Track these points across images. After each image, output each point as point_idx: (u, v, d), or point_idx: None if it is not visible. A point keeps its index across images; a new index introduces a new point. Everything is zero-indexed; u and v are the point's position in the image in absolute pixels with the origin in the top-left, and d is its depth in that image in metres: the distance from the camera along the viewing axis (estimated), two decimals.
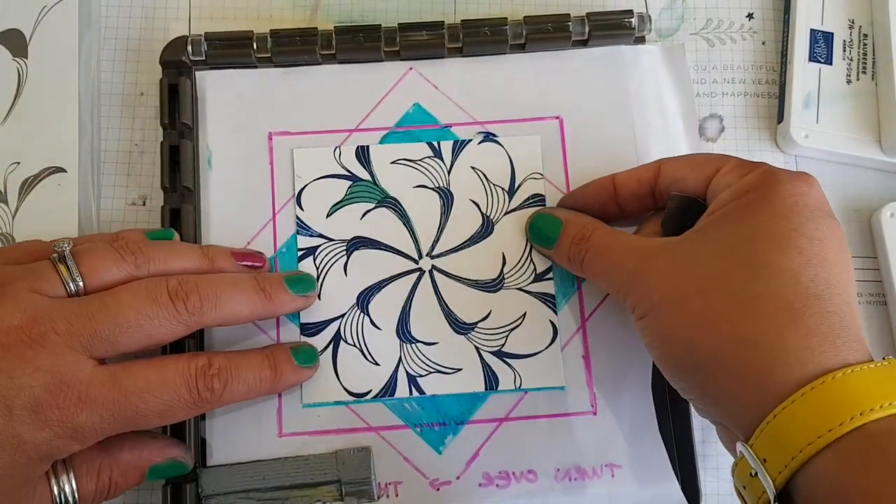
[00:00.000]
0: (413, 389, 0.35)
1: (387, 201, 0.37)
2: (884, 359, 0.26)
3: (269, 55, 0.38)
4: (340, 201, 0.37)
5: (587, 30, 0.39)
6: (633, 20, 0.39)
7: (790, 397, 0.25)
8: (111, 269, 0.30)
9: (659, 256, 0.30)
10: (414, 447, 0.35)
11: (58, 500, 0.29)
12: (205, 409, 0.31)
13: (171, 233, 0.35)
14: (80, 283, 0.30)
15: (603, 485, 0.34)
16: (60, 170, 0.37)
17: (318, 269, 0.36)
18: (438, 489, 0.34)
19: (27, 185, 0.37)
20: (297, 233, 0.37)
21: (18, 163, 0.37)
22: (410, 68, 0.39)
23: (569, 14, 0.39)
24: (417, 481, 0.34)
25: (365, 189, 0.37)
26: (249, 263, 0.35)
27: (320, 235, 0.37)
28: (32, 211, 0.37)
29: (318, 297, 0.36)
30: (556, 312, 0.36)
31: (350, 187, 0.37)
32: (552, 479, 0.35)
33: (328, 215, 0.37)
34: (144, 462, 0.31)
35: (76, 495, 0.30)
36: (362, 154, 0.38)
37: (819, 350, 0.26)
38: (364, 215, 0.37)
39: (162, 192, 0.37)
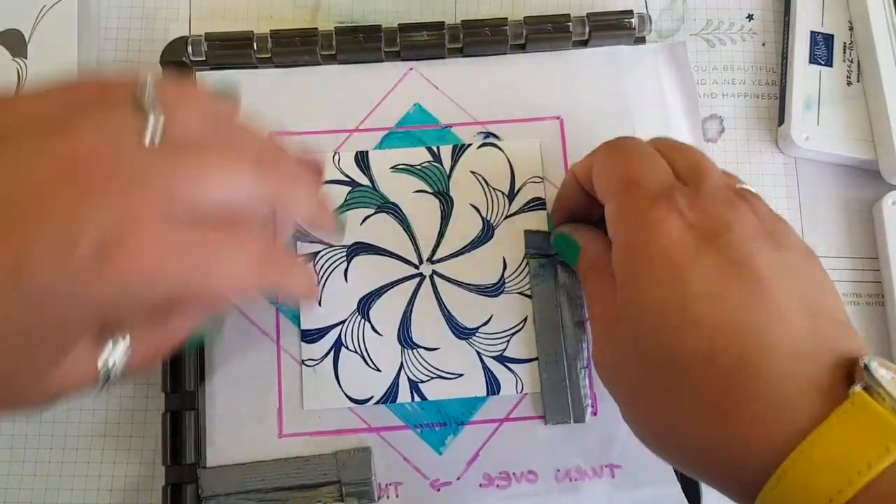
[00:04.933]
0: (415, 395, 0.35)
1: (386, 207, 0.37)
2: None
3: (269, 56, 0.38)
4: (340, 207, 0.37)
5: (587, 30, 0.39)
6: (634, 20, 0.39)
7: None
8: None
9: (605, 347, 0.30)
10: (414, 448, 0.35)
11: (106, 363, 0.25)
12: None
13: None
14: (160, 133, 0.24)
15: (603, 485, 0.34)
16: None
17: (318, 275, 0.36)
18: (439, 490, 0.34)
19: None
20: (297, 239, 0.37)
21: None
22: (411, 69, 0.39)
23: (569, 14, 0.39)
24: (418, 482, 0.34)
25: (364, 195, 0.37)
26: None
27: (320, 242, 0.37)
28: None
29: (319, 303, 0.36)
30: None
31: (349, 193, 0.37)
32: (552, 480, 0.35)
33: None
34: (189, 323, 0.27)
35: (126, 355, 0.25)
36: (361, 159, 0.38)
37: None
38: (364, 221, 0.37)
39: None
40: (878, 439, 0.21)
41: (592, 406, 0.35)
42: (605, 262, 0.30)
